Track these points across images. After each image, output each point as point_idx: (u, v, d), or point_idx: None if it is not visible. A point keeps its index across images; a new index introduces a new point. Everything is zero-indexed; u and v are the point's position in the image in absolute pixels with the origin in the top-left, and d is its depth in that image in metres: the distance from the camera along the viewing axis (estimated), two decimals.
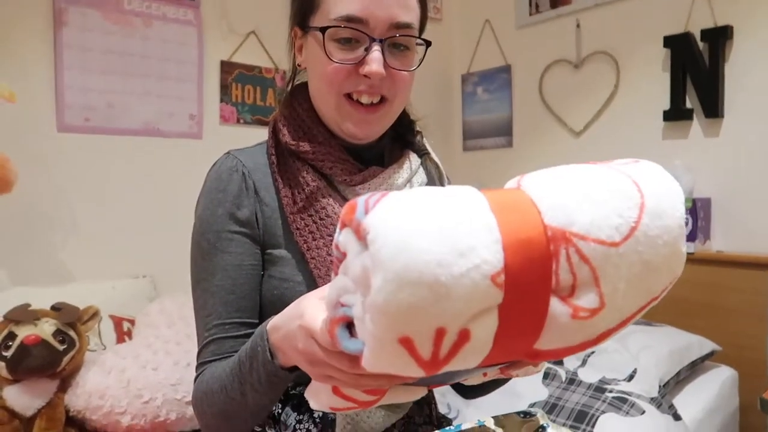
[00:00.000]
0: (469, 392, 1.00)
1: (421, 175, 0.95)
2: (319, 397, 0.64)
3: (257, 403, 0.77)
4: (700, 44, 2.21)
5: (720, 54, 2.17)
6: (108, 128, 2.03)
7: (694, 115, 2.28)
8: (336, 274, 0.53)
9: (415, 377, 0.47)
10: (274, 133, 0.90)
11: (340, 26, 0.78)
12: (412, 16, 0.81)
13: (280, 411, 0.85)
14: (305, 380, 0.68)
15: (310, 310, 0.61)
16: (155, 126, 2.13)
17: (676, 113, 2.30)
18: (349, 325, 0.50)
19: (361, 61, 0.79)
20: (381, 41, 0.78)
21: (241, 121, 2.32)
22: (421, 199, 0.45)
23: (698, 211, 2.15)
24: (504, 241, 0.43)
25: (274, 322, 0.69)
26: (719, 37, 2.16)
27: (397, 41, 0.80)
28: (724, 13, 2.17)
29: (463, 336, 0.44)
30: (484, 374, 0.69)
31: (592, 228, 0.45)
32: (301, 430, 0.86)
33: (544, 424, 0.95)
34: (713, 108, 2.19)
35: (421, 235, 0.42)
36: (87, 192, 1.99)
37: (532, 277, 0.44)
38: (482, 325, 0.44)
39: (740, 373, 1.99)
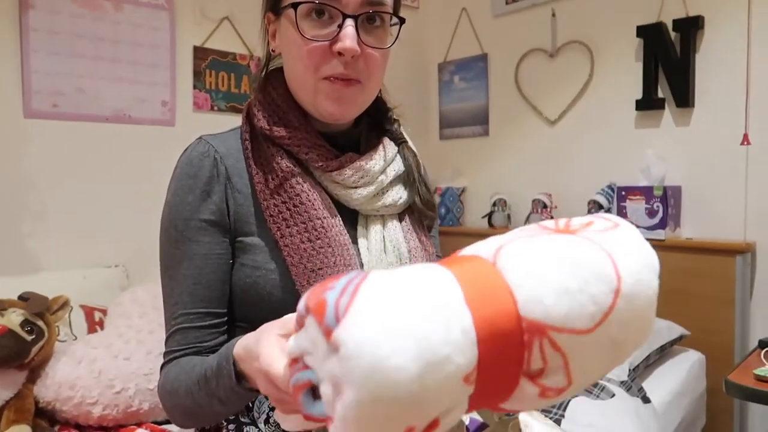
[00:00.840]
0: None
1: (397, 164, 0.94)
2: (289, 421, 0.63)
3: (224, 411, 0.78)
4: (672, 34, 2.24)
5: (691, 44, 2.20)
6: (77, 114, 1.98)
7: (666, 105, 2.31)
8: (300, 326, 0.52)
9: None
10: (249, 119, 0.88)
11: (313, 1, 0.77)
12: None
13: (252, 399, 0.85)
14: None
15: (266, 352, 0.59)
16: (126, 113, 2.08)
17: (649, 102, 2.33)
18: (313, 388, 0.50)
19: (335, 39, 0.78)
20: (354, 17, 0.77)
21: (215, 108, 2.28)
22: (394, 303, 0.44)
23: (669, 199, 2.19)
24: (479, 337, 0.44)
25: (238, 351, 0.69)
26: (691, 27, 2.20)
27: (371, 16, 0.79)
28: (695, 3, 2.20)
29: (433, 425, 0.45)
30: None
31: (567, 320, 0.46)
32: (274, 417, 0.86)
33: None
34: (684, 97, 2.23)
35: (396, 352, 0.41)
36: (56, 180, 1.95)
37: (503, 365, 0.45)
38: (452, 415, 0.45)
39: (708, 356, 2.04)
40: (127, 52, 2.08)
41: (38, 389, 1.45)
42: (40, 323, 1.45)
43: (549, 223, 0.54)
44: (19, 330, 1.39)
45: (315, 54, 0.79)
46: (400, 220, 0.90)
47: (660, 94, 2.31)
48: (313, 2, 0.77)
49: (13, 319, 1.40)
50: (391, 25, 0.85)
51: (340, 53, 0.78)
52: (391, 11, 0.82)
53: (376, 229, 0.87)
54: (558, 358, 0.46)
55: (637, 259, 0.50)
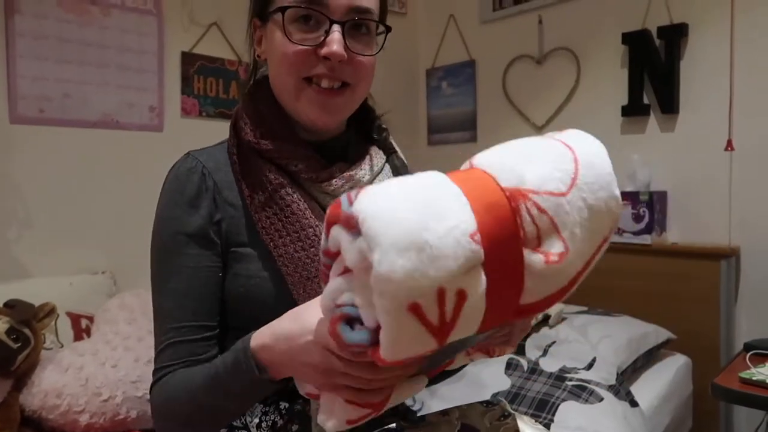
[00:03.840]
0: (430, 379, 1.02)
1: (386, 175, 0.94)
2: (334, 414, 0.66)
3: (233, 413, 0.78)
4: (657, 41, 2.27)
5: (676, 51, 2.23)
6: (64, 120, 1.97)
7: (651, 111, 2.34)
8: (326, 282, 0.58)
9: (430, 350, 0.52)
10: (236, 131, 0.89)
11: (300, 6, 0.78)
12: (371, 2, 0.81)
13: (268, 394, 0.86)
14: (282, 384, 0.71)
15: (320, 324, 0.62)
16: (114, 118, 2.07)
17: (634, 109, 2.36)
18: (349, 323, 0.55)
19: (321, 43, 0.79)
20: (341, 24, 0.78)
21: (204, 113, 2.28)
22: (396, 182, 0.51)
23: (655, 204, 2.21)
24: (472, 206, 0.50)
25: (263, 341, 0.70)
26: (675, 34, 2.23)
27: (358, 24, 0.80)
28: (680, 11, 2.23)
29: (461, 295, 0.49)
30: (468, 354, 0.73)
31: (541, 183, 0.53)
32: (266, 421, 0.86)
33: (506, 413, 0.98)
34: (669, 104, 2.26)
35: (404, 208, 0.48)
36: (43, 186, 1.93)
37: (503, 233, 0.51)
38: (474, 283, 0.50)
39: (694, 360, 2.07)
40: (114, 57, 2.07)
41: (24, 397, 1.44)
42: (26, 331, 1.43)
43: None
44: (4, 338, 1.38)
45: (300, 56, 0.80)
46: None
47: (645, 101, 2.34)
48: (301, 6, 0.78)
49: None
50: (377, 34, 0.86)
51: (326, 57, 0.79)
52: (377, 19, 0.83)
53: None
54: (545, 220, 0.53)
55: (585, 141, 0.60)
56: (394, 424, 0.88)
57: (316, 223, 0.85)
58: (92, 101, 2.02)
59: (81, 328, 1.79)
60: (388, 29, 0.85)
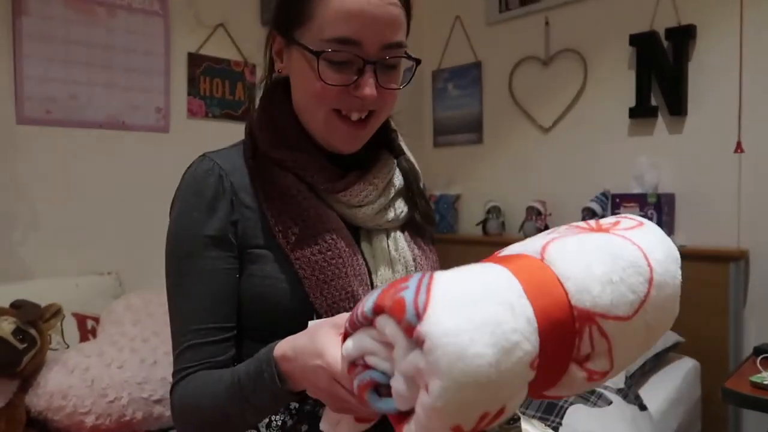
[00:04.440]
0: None
1: (398, 179, 0.94)
2: (339, 427, 0.67)
3: (255, 419, 0.78)
4: (665, 43, 2.26)
5: (684, 53, 2.22)
6: (71, 121, 1.97)
7: (659, 113, 2.33)
8: (352, 328, 0.58)
9: None
10: (252, 138, 0.89)
11: (336, 50, 0.76)
12: (401, 34, 0.80)
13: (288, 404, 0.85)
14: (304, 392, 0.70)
15: (331, 350, 0.62)
16: (120, 119, 2.07)
17: (642, 110, 2.35)
18: (376, 389, 0.55)
19: (354, 83, 0.78)
20: (374, 63, 0.78)
21: (210, 114, 2.27)
22: (467, 297, 0.49)
23: (662, 206, 2.20)
24: (539, 328, 0.49)
25: (284, 351, 0.70)
26: (683, 36, 2.22)
27: (389, 63, 0.79)
28: (687, 12, 2.22)
29: (500, 412, 0.50)
30: None
31: (611, 308, 0.52)
32: (276, 421, 0.86)
33: (515, 416, 0.97)
34: (677, 105, 2.25)
35: (474, 341, 0.46)
36: (48, 187, 1.93)
37: (559, 351, 0.51)
38: (516, 400, 0.51)
39: (703, 364, 2.05)
40: (120, 58, 2.07)
41: (30, 398, 1.44)
42: (32, 331, 1.43)
43: (581, 223, 0.61)
44: (10, 338, 1.38)
45: (332, 93, 0.79)
46: (402, 230, 0.91)
47: (653, 102, 2.33)
48: (337, 51, 0.76)
49: (5, 327, 1.38)
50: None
51: (359, 98, 0.79)
52: (407, 52, 0.82)
53: (379, 239, 0.88)
54: (604, 344, 0.52)
55: (663, 252, 0.57)
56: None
57: (333, 227, 0.85)
58: (98, 102, 2.02)
59: (87, 329, 1.79)
60: (418, 62, 0.84)
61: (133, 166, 2.08)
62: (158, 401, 1.56)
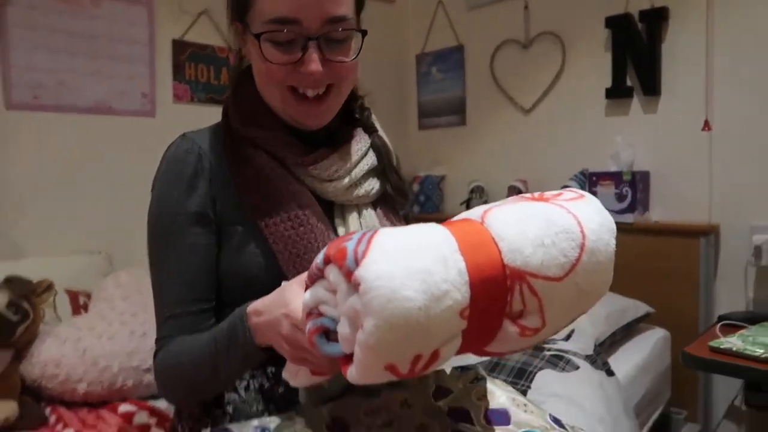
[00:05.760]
0: None
1: (370, 157, 0.97)
2: (298, 378, 0.72)
3: (229, 376, 0.82)
4: (639, 25, 2.32)
5: (657, 34, 2.28)
6: (58, 106, 2.02)
7: (634, 93, 2.39)
8: (311, 281, 0.63)
9: None
10: (226, 119, 0.93)
11: (274, 30, 0.78)
12: (345, 8, 0.80)
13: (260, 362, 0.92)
14: (272, 351, 0.75)
15: (295, 301, 0.67)
16: (107, 104, 2.13)
17: (618, 91, 2.41)
18: (326, 332, 0.60)
19: (300, 60, 0.80)
20: (317, 39, 0.79)
21: (195, 99, 2.33)
22: (403, 248, 0.54)
23: (637, 184, 2.27)
24: (471, 281, 0.54)
25: (255, 306, 0.74)
26: (656, 17, 2.27)
27: (334, 37, 0.80)
28: None
29: (435, 356, 0.55)
30: None
31: (542, 268, 0.57)
32: (253, 383, 0.91)
33: (479, 376, 1.03)
34: (651, 86, 2.31)
35: (405, 286, 0.51)
36: (39, 169, 1.99)
37: (491, 307, 0.56)
38: (449, 347, 0.56)
39: (673, 334, 2.13)
40: (106, 46, 2.12)
41: (24, 367, 1.50)
42: (25, 305, 1.50)
43: (526, 194, 0.66)
44: (4, 310, 1.44)
45: (281, 72, 0.81)
46: (374, 207, 0.94)
47: (629, 83, 2.39)
48: (275, 31, 0.78)
49: None
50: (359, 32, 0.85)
51: (306, 74, 0.80)
52: (353, 24, 0.83)
53: (352, 217, 0.91)
54: (534, 301, 0.57)
55: (598, 222, 0.62)
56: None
57: (304, 203, 0.89)
58: (85, 88, 2.08)
59: (79, 305, 1.86)
60: (364, 33, 0.85)
61: (120, 149, 2.14)
62: (147, 370, 1.62)
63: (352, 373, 0.56)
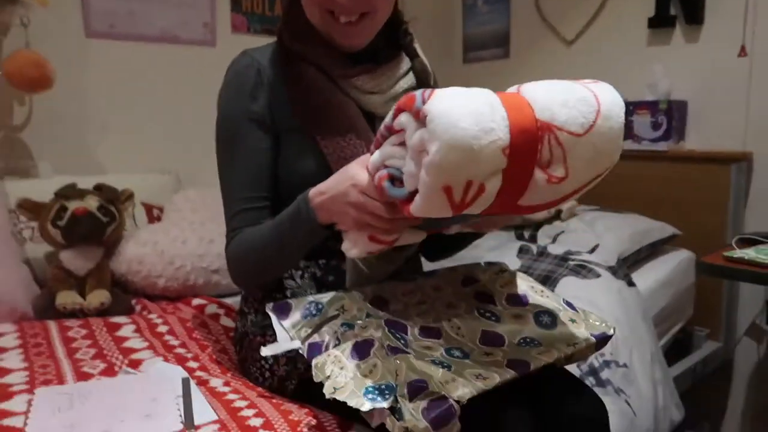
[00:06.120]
0: (433, 255, 1.24)
1: (410, 78, 1.08)
2: (357, 245, 0.88)
3: (293, 254, 0.96)
4: None
5: None
6: (130, 34, 2.21)
7: (677, 22, 2.40)
8: (377, 147, 0.78)
9: (444, 216, 0.73)
10: (280, 38, 1.06)
11: None
12: None
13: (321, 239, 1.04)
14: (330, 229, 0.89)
15: (361, 173, 0.81)
16: (172, 33, 2.31)
17: (660, 20, 2.42)
18: (391, 181, 0.75)
19: None
20: None
21: (251, 30, 2.49)
22: (461, 95, 0.68)
23: (673, 113, 2.32)
24: (511, 127, 0.68)
25: (317, 188, 0.88)
26: None
27: None
28: None
29: (481, 188, 0.69)
30: (462, 227, 0.94)
31: (566, 124, 0.71)
32: (308, 272, 1.08)
33: (504, 270, 1.19)
34: (694, 15, 2.31)
35: (462, 118, 0.65)
36: (114, 94, 2.20)
37: (526, 152, 0.70)
38: (493, 182, 0.69)
39: (698, 256, 2.22)
40: None
41: (113, 264, 1.74)
42: (113, 208, 1.72)
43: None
44: (96, 212, 1.67)
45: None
46: None
47: (672, 12, 2.40)
48: None
49: (91, 203, 1.67)
50: None
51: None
52: None
53: None
54: (560, 151, 0.71)
55: (610, 98, 0.75)
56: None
57: (351, 113, 1.01)
58: (153, 18, 2.25)
59: (153, 216, 2.09)
60: None
61: (185, 76, 2.32)
62: (215, 271, 1.84)
63: (417, 204, 0.71)
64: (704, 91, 2.34)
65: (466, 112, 0.66)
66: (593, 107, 0.72)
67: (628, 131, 2.43)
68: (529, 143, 0.69)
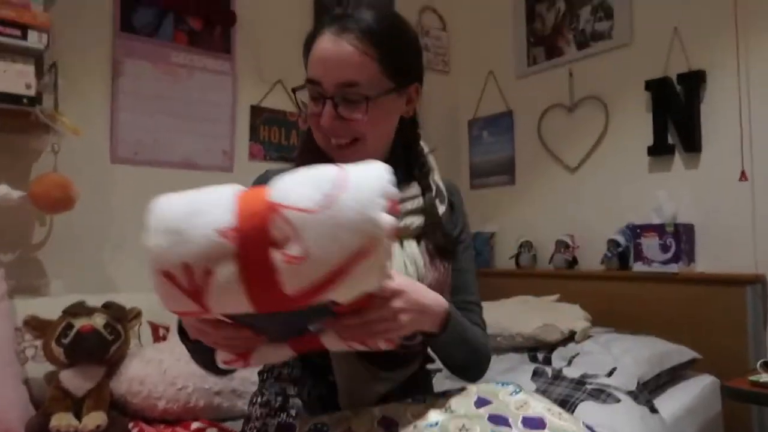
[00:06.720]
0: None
1: (417, 201, 1.07)
2: (220, 356, 0.86)
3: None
4: (678, 87, 2.46)
5: (695, 95, 2.41)
6: (153, 161, 2.34)
7: (676, 150, 2.50)
8: None
9: (197, 312, 0.70)
10: (299, 155, 1.11)
11: (307, 88, 0.98)
12: (358, 75, 0.93)
13: (299, 374, 1.04)
14: (324, 353, 0.88)
15: None
16: (193, 160, 2.43)
17: (660, 149, 2.52)
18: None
19: (321, 114, 0.98)
20: (332, 98, 0.95)
21: (267, 157, 2.62)
22: (195, 191, 0.71)
23: (681, 236, 2.34)
24: (240, 212, 0.67)
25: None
26: (694, 80, 2.41)
27: (348, 97, 0.94)
28: (696, 58, 2.43)
29: (208, 272, 0.66)
30: (345, 341, 0.84)
31: (297, 201, 0.67)
32: (314, 393, 1.06)
33: (517, 390, 1.14)
34: (691, 143, 2.42)
35: (173, 207, 0.69)
36: (134, 216, 2.27)
37: (256, 234, 0.66)
38: (223, 268, 0.66)
39: (722, 380, 2.12)
40: (195, 109, 2.45)
41: (113, 383, 1.69)
42: (119, 327, 1.71)
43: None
44: (102, 330, 1.66)
45: (314, 121, 1.01)
46: (417, 242, 1.03)
47: (670, 141, 2.51)
48: (304, 87, 0.98)
49: (98, 321, 1.66)
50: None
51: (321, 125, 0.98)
52: (366, 91, 0.93)
53: (394, 247, 0.99)
54: (289, 229, 0.65)
55: (363, 172, 0.70)
56: (409, 399, 1.06)
57: None
58: (176, 146, 2.39)
59: (159, 336, 2.07)
60: (368, 98, 0.94)
61: None
62: (218, 393, 1.78)
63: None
64: (709, 214, 2.38)
65: (181, 201, 0.68)
66: (337, 183, 0.67)
67: (638, 254, 2.44)
68: (257, 226, 0.66)
